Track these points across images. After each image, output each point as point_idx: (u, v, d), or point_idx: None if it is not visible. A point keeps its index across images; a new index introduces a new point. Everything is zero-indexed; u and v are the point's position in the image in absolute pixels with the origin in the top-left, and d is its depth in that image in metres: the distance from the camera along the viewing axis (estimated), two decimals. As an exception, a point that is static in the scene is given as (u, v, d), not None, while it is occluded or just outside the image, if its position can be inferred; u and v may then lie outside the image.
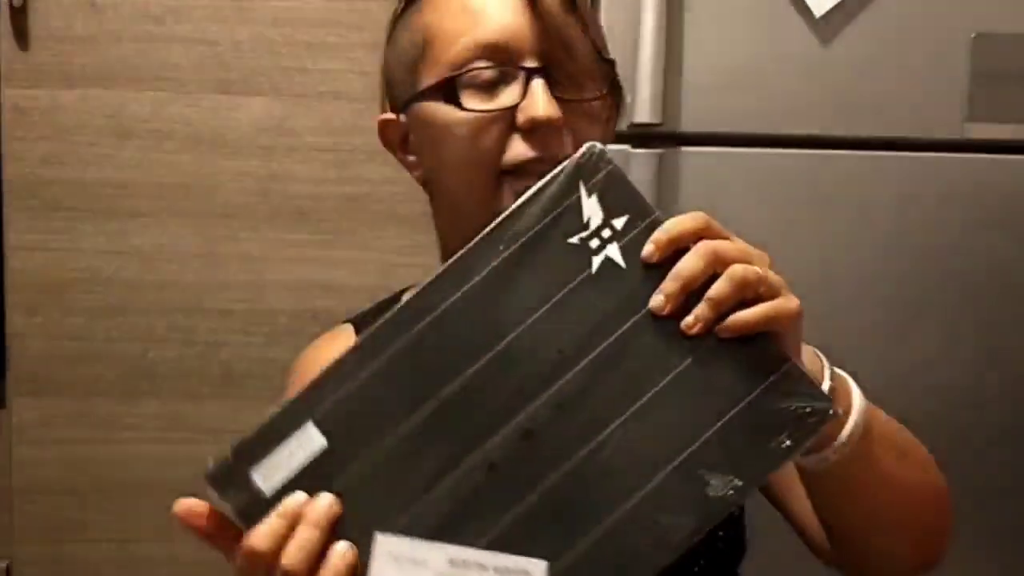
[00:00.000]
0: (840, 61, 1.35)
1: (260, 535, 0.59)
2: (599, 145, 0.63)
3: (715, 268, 0.61)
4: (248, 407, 1.49)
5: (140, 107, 1.45)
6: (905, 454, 0.78)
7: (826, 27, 1.34)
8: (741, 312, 0.61)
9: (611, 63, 0.86)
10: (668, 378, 0.60)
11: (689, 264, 0.61)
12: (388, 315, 0.61)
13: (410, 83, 0.86)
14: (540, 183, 0.63)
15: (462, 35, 0.82)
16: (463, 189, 0.83)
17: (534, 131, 0.80)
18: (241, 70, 1.45)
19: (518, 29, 0.82)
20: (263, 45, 1.45)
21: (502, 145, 0.81)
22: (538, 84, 0.80)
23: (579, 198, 0.62)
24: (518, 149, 0.81)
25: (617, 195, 0.62)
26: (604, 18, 1.36)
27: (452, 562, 0.58)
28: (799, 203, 1.37)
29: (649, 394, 0.59)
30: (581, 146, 0.75)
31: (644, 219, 0.61)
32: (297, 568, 0.58)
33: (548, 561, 0.57)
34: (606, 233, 0.61)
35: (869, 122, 1.37)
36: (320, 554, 0.59)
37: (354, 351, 0.60)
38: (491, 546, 0.58)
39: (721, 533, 0.90)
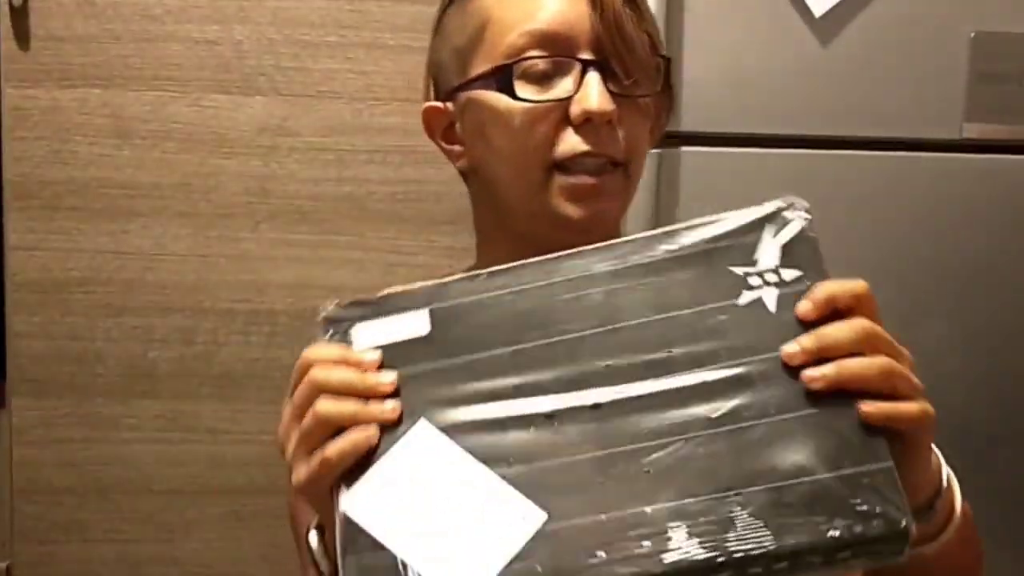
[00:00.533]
0: (840, 61, 1.35)
1: (315, 349, 0.65)
2: (805, 203, 0.65)
3: (861, 348, 0.61)
4: (248, 407, 1.49)
5: (140, 107, 1.45)
6: (971, 544, 0.80)
7: (826, 27, 1.34)
8: (874, 402, 0.60)
9: (667, 59, 0.85)
10: (767, 419, 0.59)
11: (839, 333, 0.61)
12: (532, 259, 0.65)
13: (460, 70, 0.84)
14: (729, 213, 0.65)
15: (519, 23, 0.81)
16: (512, 180, 0.82)
17: (587, 125, 0.79)
18: (241, 70, 1.45)
19: (576, 20, 0.80)
20: (263, 45, 1.45)
21: (554, 138, 0.80)
22: (593, 77, 0.79)
23: (760, 237, 0.64)
24: (570, 142, 0.80)
25: (801, 252, 0.63)
26: (604, 18, 1.36)
27: (465, 477, 0.59)
28: (799, 203, 1.37)
29: (740, 425, 0.59)
30: (632, 141, 0.80)
31: (814, 282, 0.62)
32: (328, 385, 0.63)
33: (550, 518, 0.58)
34: (771, 278, 0.62)
35: (868, 122, 1.37)
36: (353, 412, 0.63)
37: (491, 274, 0.65)
38: (510, 482, 0.59)
39: None
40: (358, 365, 0.63)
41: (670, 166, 1.35)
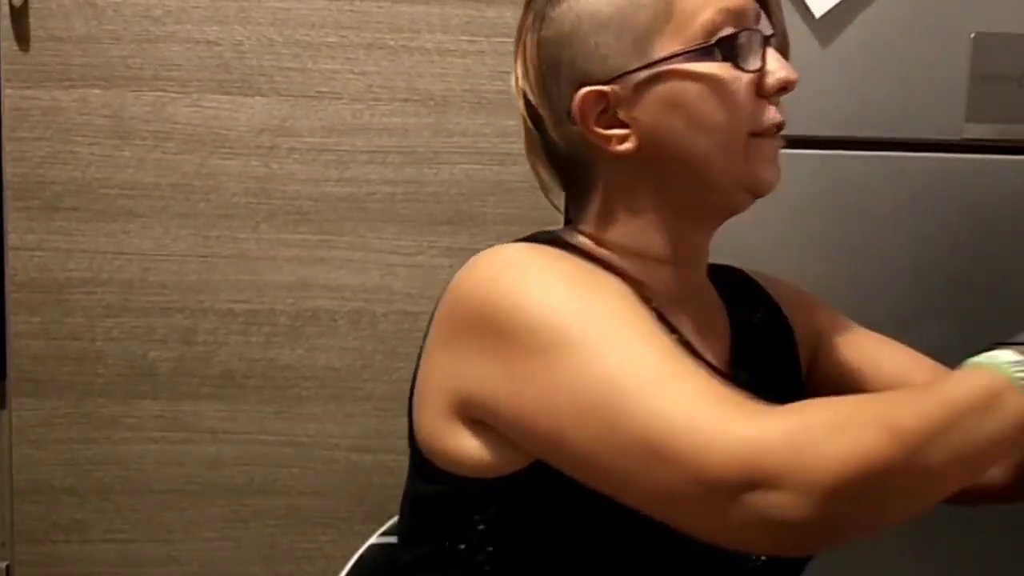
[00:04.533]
0: (840, 61, 1.35)
1: None
2: None
3: None
4: (248, 407, 1.49)
5: (140, 107, 1.45)
6: None
7: (826, 27, 1.34)
8: None
9: (787, 40, 0.92)
10: None
11: None
12: None
13: (636, 51, 0.86)
14: None
15: (712, 1, 0.85)
16: (716, 150, 0.86)
17: (778, 94, 0.87)
18: (241, 70, 1.45)
19: None
20: (263, 45, 1.45)
21: (752, 107, 0.86)
22: (772, 51, 0.87)
23: None
24: (771, 111, 0.87)
25: None
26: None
27: None
28: (799, 203, 1.37)
29: None
30: None
31: None
32: None
33: None
34: None
35: (869, 122, 1.37)
36: None
37: None
38: None
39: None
40: None
41: (670, 166, 1.35)
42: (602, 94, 0.86)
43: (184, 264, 1.47)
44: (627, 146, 0.87)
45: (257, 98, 1.46)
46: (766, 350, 0.95)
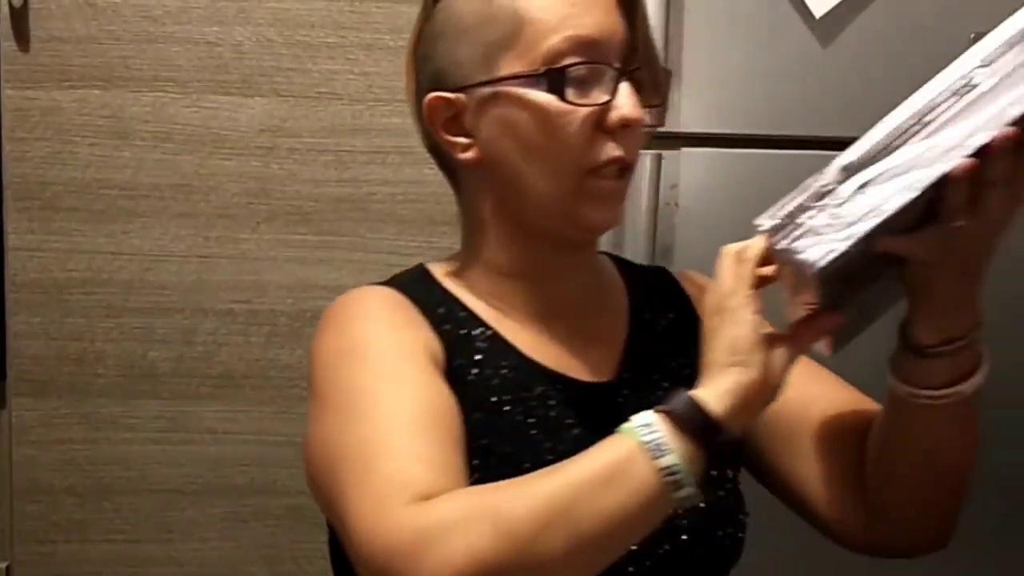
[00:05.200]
0: (840, 61, 1.35)
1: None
2: None
3: None
4: (248, 407, 1.49)
5: (140, 107, 1.45)
6: (974, 425, 0.87)
7: (826, 27, 1.34)
8: None
9: (669, 73, 0.90)
10: None
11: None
12: None
13: (486, 65, 0.85)
14: None
15: (562, 27, 0.83)
16: (543, 179, 0.84)
17: (621, 132, 0.83)
18: (241, 70, 1.45)
19: (612, 29, 0.84)
20: (263, 45, 1.45)
21: (588, 141, 0.83)
22: (626, 86, 0.83)
23: None
24: (607, 147, 0.83)
25: None
26: (604, 18, 1.36)
27: None
28: (799, 203, 1.37)
29: None
30: (640, 149, 0.85)
31: None
32: None
33: None
34: None
35: (869, 122, 1.37)
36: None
37: None
38: None
39: (720, 533, 0.90)
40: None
41: (670, 166, 1.35)
42: (449, 101, 0.87)
43: (184, 264, 1.47)
44: (470, 155, 0.88)
45: (257, 98, 1.46)
46: (664, 354, 0.94)
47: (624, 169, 0.85)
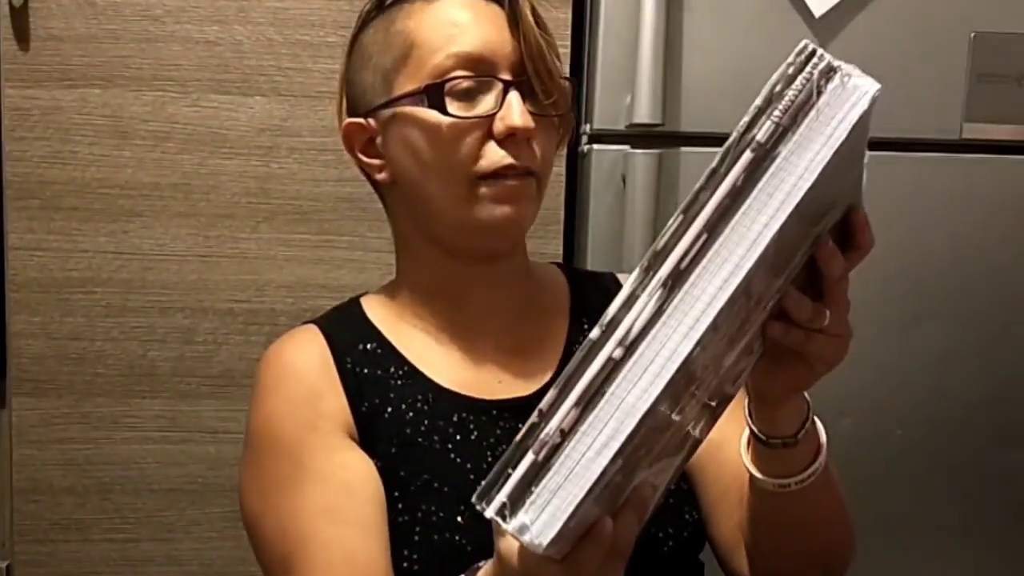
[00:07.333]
0: (840, 61, 1.35)
1: None
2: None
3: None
4: (248, 407, 1.49)
5: (140, 107, 1.45)
6: (839, 496, 0.87)
7: (826, 27, 1.34)
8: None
9: (574, 83, 0.94)
10: None
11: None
12: None
13: (385, 88, 0.91)
14: None
15: (445, 46, 0.88)
16: (438, 190, 0.89)
17: (509, 140, 0.87)
18: (241, 70, 1.45)
19: (498, 44, 0.88)
20: (263, 45, 1.45)
21: (478, 151, 0.87)
22: (515, 96, 0.87)
23: None
24: (495, 155, 0.87)
25: None
26: (603, 17, 1.36)
27: None
28: (799, 203, 1.37)
29: None
30: (544, 155, 0.89)
31: None
32: None
33: None
34: None
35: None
36: None
37: None
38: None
39: (688, 516, 0.92)
40: None
41: (670, 166, 1.35)
42: (362, 126, 0.93)
43: (184, 264, 1.47)
44: (384, 176, 0.94)
45: (257, 98, 1.46)
46: None
47: (525, 173, 0.89)
